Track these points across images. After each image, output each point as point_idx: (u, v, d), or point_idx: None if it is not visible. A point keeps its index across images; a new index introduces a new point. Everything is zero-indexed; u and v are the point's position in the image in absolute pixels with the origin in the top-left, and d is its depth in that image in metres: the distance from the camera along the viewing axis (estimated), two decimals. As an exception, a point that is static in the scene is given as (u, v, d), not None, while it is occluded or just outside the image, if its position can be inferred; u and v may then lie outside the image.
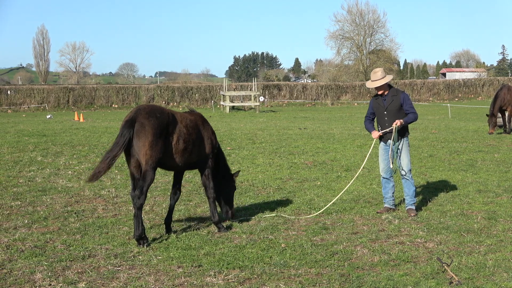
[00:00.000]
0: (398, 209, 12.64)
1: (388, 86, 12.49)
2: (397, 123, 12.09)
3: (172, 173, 11.69)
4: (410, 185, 12.41)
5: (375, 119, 12.77)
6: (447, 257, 9.16)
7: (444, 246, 9.90)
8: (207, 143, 11.15)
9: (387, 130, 12.34)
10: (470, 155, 20.91)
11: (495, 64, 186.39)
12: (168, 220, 11.08)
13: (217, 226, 11.14)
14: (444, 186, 15.07)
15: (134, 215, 10.12)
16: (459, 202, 13.17)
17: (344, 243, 10.07)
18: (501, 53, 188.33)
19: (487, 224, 11.27)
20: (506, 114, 29.89)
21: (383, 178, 12.69)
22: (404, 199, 12.72)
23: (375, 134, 12.58)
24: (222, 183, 11.71)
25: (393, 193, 12.64)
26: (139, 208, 10.03)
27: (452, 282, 8.07)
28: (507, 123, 29.98)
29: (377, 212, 12.40)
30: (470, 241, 10.14)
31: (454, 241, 10.16)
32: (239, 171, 12.74)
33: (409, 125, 12.57)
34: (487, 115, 29.78)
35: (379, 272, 8.62)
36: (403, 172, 12.38)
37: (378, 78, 12.32)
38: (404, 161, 12.37)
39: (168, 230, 11.00)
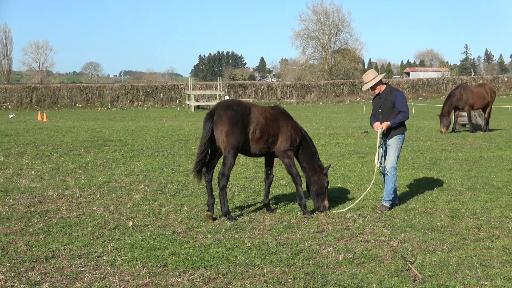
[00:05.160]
0: (397, 204, 12.89)
1: (383, 84, 12.74)
2: (383, 126, 12.37)
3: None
4: (390, 182, 12.54)
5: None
6: (411, 255, 9.23)
7: (408, 244, 9.97)
8: (285, 136, 12.14)
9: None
10: (434, 153, 21.13)
11: (458, 63, 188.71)
12: (266, 201, 12.46)
13: (302, 208, 12.17)
14: (408, 184, 15.21)
15: (219, 194, 11.75)
16: (422, 201, 13.29)
17: (309, 242, 10.09)
18: (464, 52, 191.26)
19: (450, 222, 11.38)
20: (460, 112, 30.48)
21: (381, 173, 12.92)
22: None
23: (376, 125, 12.73)
24: (312, 176, 12.50)
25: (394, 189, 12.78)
26: (221, 189, 11.59)
27: (416, 280, 8.13)
28: (478, 122, 30.55)
29: (378, 206, 12.66)
30: (433, 239, 10.23)
31: (418, 239, 10.24)
32: (329, 165, 13.00)
33: (405, 122, 12.72)
34: (437, 115, 30.25)
35: (343, 271, 8.65)
36: (386, 168, 12.52)
37: (369, 79, 12.66)
38: (390, 158, 12.53)
39: (269, 210, 12.40)
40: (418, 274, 8.25)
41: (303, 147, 12.46)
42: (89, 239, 10.30)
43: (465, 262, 8.94)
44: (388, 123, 12.33)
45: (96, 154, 20.92)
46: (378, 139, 12.53)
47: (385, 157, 12.62)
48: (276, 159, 12.68)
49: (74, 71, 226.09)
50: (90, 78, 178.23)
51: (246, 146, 11.67)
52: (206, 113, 11.58)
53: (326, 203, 12.45)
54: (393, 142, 12.58)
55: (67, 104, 71.92)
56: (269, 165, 12.56)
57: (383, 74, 13.33)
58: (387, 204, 12.52)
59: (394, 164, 12.57)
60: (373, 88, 12.70)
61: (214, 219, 11.73)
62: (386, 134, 12.56)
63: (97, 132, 28.88)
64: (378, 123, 12.65)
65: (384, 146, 12.61)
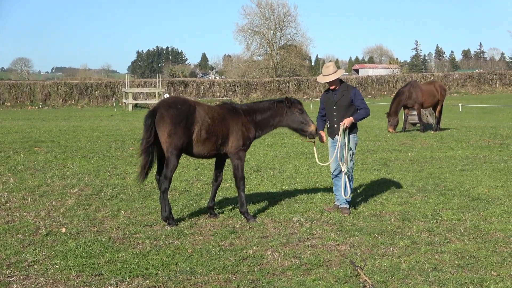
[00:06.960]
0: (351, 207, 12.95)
1: (339, 81, 12.78)
2: (345, 123, 12.35)
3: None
4: (350, 183, 12.66)
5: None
6: (360, 260, 9.31)
7: (357, 249, 10.05)
8: (236, 135, 12.06)
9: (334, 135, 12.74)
10: (384, 154, 21.38)
11: (408, 60, 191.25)
12: (210, 204, 12.51)
13: (244, 216, 12.16)
14: (357, 186, 15.32)
15: (160, 198, 11.68)
16: (372, 203, 13.42)
17: (254, 248, 10.10)
18: (414, 48, 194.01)
19: (400, 225, 11.51)
20: (410, 111, 30.89)
21: (333, 175, 12.90)
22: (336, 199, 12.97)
23: (322, 134, 12.86)
24: (280, 122, 12.76)
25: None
26: (163, 192, 11.53)
27: (366, 286, 8.20)
28: (429, 121, 30.95)
29: (326, 210, 12.73)
30: (383, 243, 10.33)
31: (368, 243, 10.33)
32: (287, 96, 12.73)
33: (358, 122, 12.80)
34: (385, 114, 30.48)
35: (290, 277, 8.68)
36: (345, 169, 12.56)
37: (330, 72, 12.65)
38: (349, 158, 12.58)
39: (212, 214, 12.45)
40: (367, 280, 8.32)
41: (259, 126, 12.45)
42: (19, 247, 10.14)
43: (416, 267, 9.06)
44: (351, 118, 12.39)
45: (26, 156, 20.58)
46: (340, 138, 12.48)
47: (337, 157, 12.70)
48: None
49: (2, 68, 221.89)
50: (19, 74, 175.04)
51: (191, 148, 11.60)
52: (146, 111, 11.52)
53: (312, 128, 12.48)
54: (350, 142, 12.65)
55: (-6, 103, 70.75)
56: (219, 167, 12.52)
57: (343, 70, 13.41)
58: (347, 206, 12.69)
59: (353, 164, 12.74)
60: (330, 83, 12.73)
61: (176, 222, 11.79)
62: (336, 131, 12.61)
63: (27, 133, 28.43)
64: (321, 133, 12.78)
65: (341, 146, 12.60)
